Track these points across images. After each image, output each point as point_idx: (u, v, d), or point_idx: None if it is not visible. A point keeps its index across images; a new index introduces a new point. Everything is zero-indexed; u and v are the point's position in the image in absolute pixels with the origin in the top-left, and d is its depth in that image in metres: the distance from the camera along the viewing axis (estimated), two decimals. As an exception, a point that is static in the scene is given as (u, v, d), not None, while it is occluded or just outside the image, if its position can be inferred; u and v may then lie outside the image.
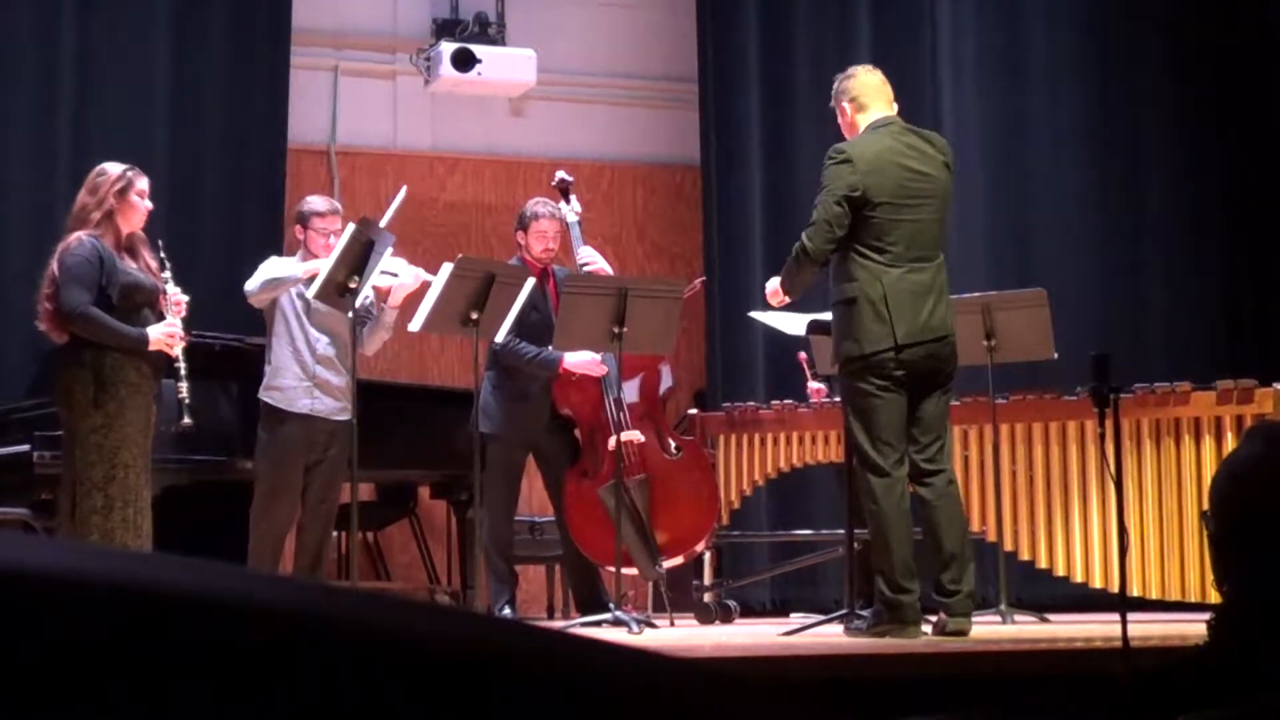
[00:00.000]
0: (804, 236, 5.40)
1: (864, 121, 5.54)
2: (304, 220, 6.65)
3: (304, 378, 6.50)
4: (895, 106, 5.63)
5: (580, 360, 6.80)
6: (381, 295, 6.58)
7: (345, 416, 6.44)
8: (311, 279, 6.27)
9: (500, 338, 6.57)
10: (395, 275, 6.53)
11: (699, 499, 7.05)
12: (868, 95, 5.56)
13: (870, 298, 5.30)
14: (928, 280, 5.36)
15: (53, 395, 6.04)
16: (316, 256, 6.50)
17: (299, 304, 6.51)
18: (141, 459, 5.84)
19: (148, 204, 6.01)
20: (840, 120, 5.64)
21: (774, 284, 5.71)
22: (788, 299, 5.72)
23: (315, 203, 6.75)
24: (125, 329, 5.82)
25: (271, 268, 6.50)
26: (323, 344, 6.53)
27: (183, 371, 5.91)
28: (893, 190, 5.36)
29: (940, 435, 5.44)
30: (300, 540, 6.63)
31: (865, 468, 5.39)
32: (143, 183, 5.99)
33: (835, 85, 5.67)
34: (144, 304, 5.93)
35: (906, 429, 5.43)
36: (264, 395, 6.51)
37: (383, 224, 6.26)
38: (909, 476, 5.48)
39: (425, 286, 6.44)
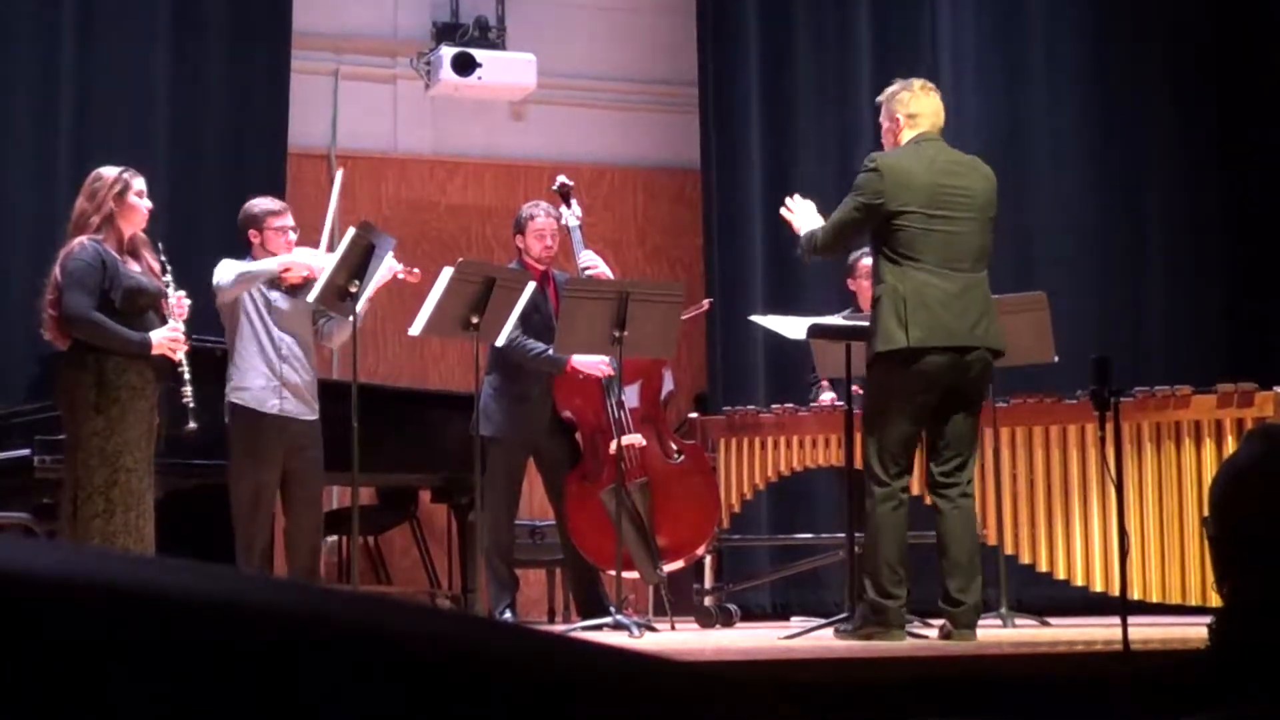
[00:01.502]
0: (819, 230, 5.52)
1: (909, 136, 5.55)
2: (257, 222, 6.55)
3: (271, 378, 6.43)
4: (941, 127, 5.64)
5: (586, 360, 6.80)
6: None
7: (312, 416, 6.43)
8: (283, 270, 6.34)
9: (501, 341, 6.57)
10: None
11: (700, 502, 7.05)
12: (924, 115, 5.57)
13: (893, 298, 5.33)
14: (958, 289, 5.36)
15: (54, 399, 6.04)
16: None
17: (261, 304, 6.47)
18: (144, 463, 5.84)
19: (147, 203, 6.00)
20: (885, 125, 5.65)
21: (803, 223, 5.72)
22: (797, 252, 5.84)
23: (265, 203, 6.66)
24: (128, 334, 5.82)
25: (238, 264, 6.46)
26: (287, 344, 6.48)
27: (186, 375, 5.90)
28: (924, 201, 5.38)
29: (962, 454, 5.45)
30: (292, 545, 6.55)
31: (866, 473, 5.43)
32: (139, 183, 5.98)
33: (892, 90, 5.66)
34: (147, 307, 5.92)
35: (931, 440, 5.46)
36: (232, 397, 6.44)
37: (330, 211, 6.22)
38: (927, 484, 5.52)
39: (396, 277, 6.42)
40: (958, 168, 5.54)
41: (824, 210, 5.72)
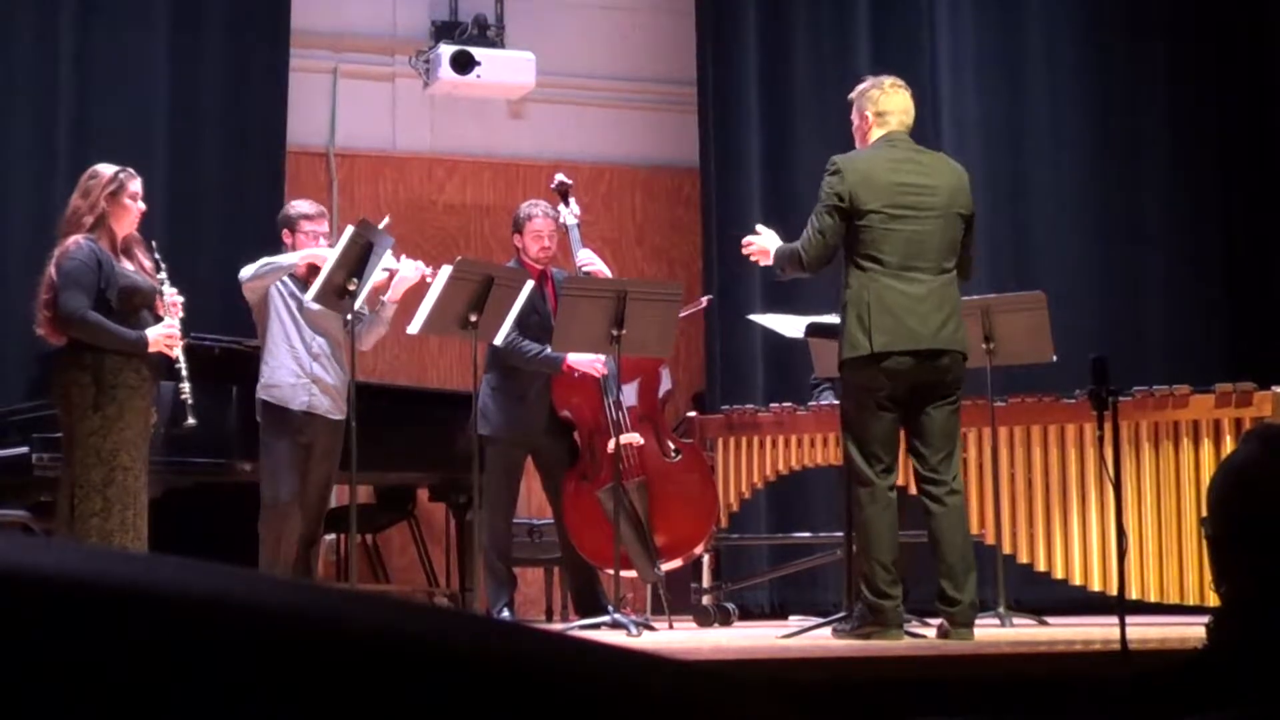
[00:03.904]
0: (801, 246, 5.48)
1: (877, 134, 5.54)
2: (291, 224, 6.64)
3: (301, 375, 6.50)
4: (910, 124, 5.61)
5: (582, 359, 6.80)
6: (379, 290, 6.57)
7: (339, 416, 6.47)
8: (309, 269, 6.33)
9: (499, 340, 6.57)
10: (395, 270, 6.54)
11: (698, 501, 7.04)
12: (893, 113, 5.54)
13: (857, 305, 5.33)
14: (923, 292, 5.35)
15: (51, 397, 6.04)
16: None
17: (293, 304, 6.51)
18: (140, 461, 5.84)
19: (140, 206, 6.00)
20: (855, 123, 5.63)
21: (771, 245, 5.68)
22: (774, 271, 5.74)
23: (302, 206, 6.74)
24: (124, 332, 5.82)
25: (264, 258, 6.51)
26: (318, 343, 6.54)
27: (184, 372, 5.90)
28: (884, 200, 5.37)
29: (944, 449, 5.43)
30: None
31: (852, 475, 5.43)
32: (135, 185, 5.98)
33: (863, 87, 5.64)
34: (142, 306, 5.93)
35: (908, 440, 5.47)
36: (262, 394, 6.52)
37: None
38: (915, 484, 5.52)
39: (424, 280, 6.45)
40: (922, 166, 5.51)
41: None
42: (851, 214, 5.35)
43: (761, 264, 5.88)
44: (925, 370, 5.35)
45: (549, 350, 6.76)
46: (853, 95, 5.68)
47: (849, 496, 5.93)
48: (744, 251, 5.85)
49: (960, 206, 5.51)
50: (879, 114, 5.55)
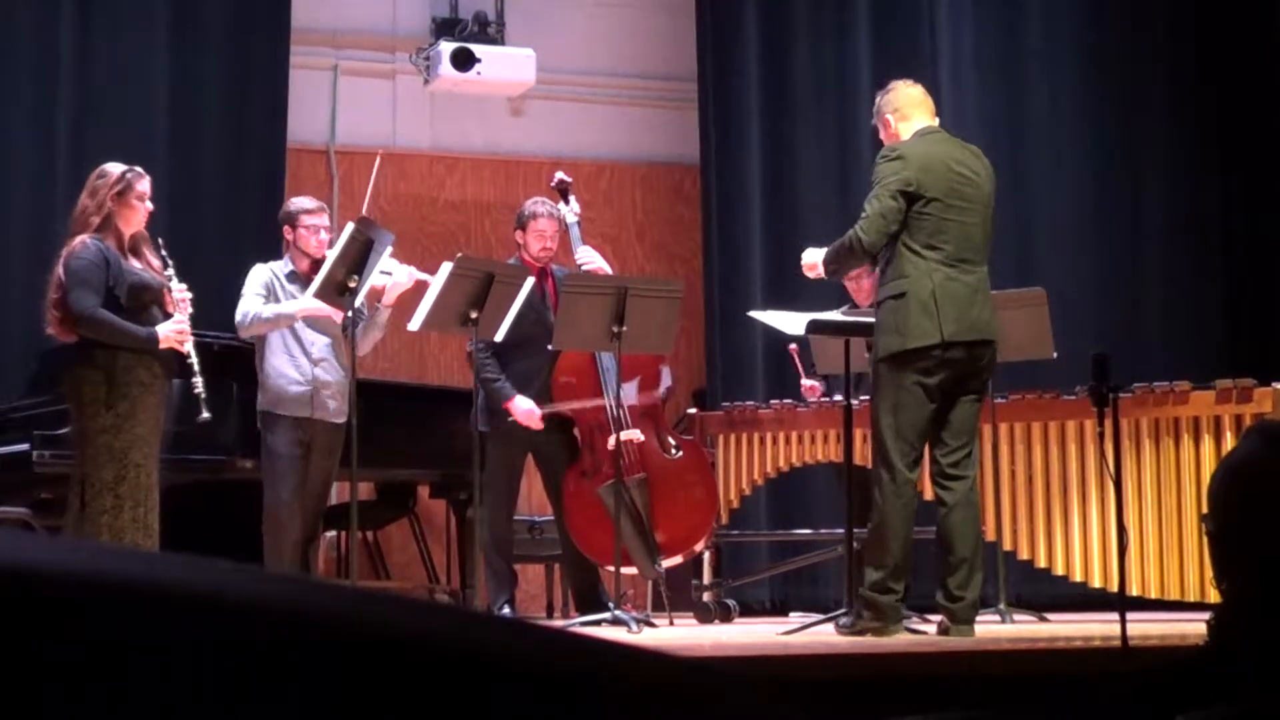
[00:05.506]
0: (858, 229, 5.45)
1: (908, 130, 5.58)
2: (291, 220, 6.65)
3: (303, 382, 6.50)
4: (937, 119, 5.67)
5: (521, 408, 6.79)
6: (376, 295, 6.57)
7: (342, 419, 6.46)
8: (311, 266, 6.37)
9: (499, 337, 6.57)
10: (389, 274, 6.54)
11: (698, 498, 7.05)
12: (910, 106, 5.62)
13: (920, 294, 5.33)
14: (974, 282, 5.42)
15: (61, 394, 6.03)
16: (308, 255, 6.54)
17: None
18: (151, 459, 5.85)
19: (148, 205, 6.00)
20: (883, 133, 5.69)
21: (813, 257, 5.70)
22: (825, 277, 5.76)
23: (302, 202, 6.77)
24: (135, 329, 5.82)
25: (254, 291, 6.49)
26: (319, 345, 6.54)
27: (195, 367, 5.90)
28: (943, 189, 5.41)
29: (967, 443, 5.46)
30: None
31: (881, 462, 5.40)
32: (143, 184, 5.98)
33: (876, 102, 5.74)
34: (151, 303, 5.93)
35: (935, 432, 5.45)
36: (265, 406, 6.51)
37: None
38: (932, 476, 5.51)
39: (420, 285, 6.45)
40: (966, 156, 5.60)
41: (822, 223, 5.71)
42: (915, 200, 5.38)
43: (811, 277, 5.85)
44: (973, 359, 5.39)
45: (503, 383, 6.75)
46: (874, 117, 5.73)
47: (849, 491, 5.93)
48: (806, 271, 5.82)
49: (992, 201, 5.61)
50: (897, 111, 5.63)
